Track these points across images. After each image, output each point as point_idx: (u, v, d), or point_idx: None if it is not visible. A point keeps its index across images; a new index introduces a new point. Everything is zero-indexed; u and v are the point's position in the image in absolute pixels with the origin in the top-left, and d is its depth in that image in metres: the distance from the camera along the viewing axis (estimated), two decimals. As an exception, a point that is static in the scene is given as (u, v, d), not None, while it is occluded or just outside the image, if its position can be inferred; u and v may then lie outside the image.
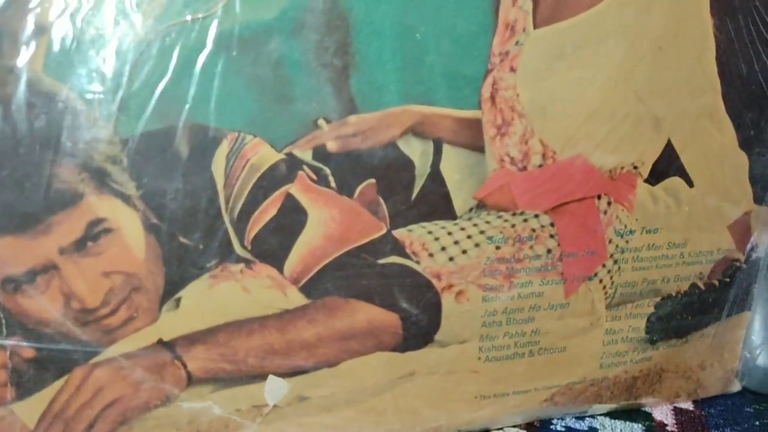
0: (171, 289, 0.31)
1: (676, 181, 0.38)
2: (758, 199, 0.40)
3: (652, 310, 0.39)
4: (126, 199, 0.29)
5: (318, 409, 0.35)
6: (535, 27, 0.33)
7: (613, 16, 0.34)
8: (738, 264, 0.41)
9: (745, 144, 0.39)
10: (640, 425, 0.40)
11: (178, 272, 0.30)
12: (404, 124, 0.32)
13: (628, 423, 0.40)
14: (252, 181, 0.30)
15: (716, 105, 0.37)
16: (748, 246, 0.41)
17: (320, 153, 0.31)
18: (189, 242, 0.30)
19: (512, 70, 0.33)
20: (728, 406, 0.42)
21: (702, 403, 0.42)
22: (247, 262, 0.31)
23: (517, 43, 0.33)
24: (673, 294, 0.40)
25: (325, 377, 0.34)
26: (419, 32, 0.30)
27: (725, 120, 0.38)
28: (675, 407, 0.42)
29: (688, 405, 0.42)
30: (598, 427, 0.40)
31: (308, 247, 0.32)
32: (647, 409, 0.41)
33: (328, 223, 0.32)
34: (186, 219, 0.30)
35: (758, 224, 0.41)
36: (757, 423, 0.41)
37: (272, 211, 0.31)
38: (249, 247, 0.31)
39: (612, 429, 0.39)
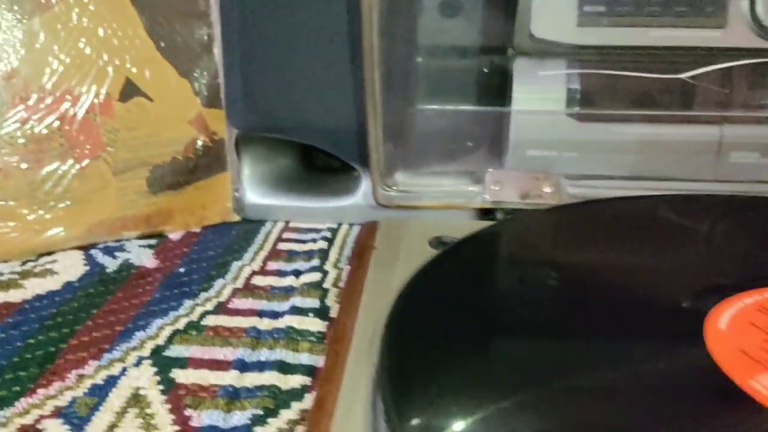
0: None
1: (141, 100, 0.69)
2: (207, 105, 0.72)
3: (148, 174, 0.69)
4: None
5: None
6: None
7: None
8: (204, 143, 0.71)
9: (184, 75, 0.70)
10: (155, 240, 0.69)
11: None
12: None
13: (147, 240, 0.69)
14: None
15: (155, 58, 0.69)
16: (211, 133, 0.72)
17: None
18: None
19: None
20: (222, 227, 0.72)
21: (207, 228, 0.72)
22: None
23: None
24: (160, 164, 0.70)
25: None
26: None
27: (164, 64, 0.70)
28: (188, 231, 0.71)
29: (197, 229, 0.72)
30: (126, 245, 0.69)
31: None
32: (167, 233, 0.71)
33: None
34: None
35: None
36: (234, 232, 0.71)
37: None
38: None
39: (138, 245, 0.68)
